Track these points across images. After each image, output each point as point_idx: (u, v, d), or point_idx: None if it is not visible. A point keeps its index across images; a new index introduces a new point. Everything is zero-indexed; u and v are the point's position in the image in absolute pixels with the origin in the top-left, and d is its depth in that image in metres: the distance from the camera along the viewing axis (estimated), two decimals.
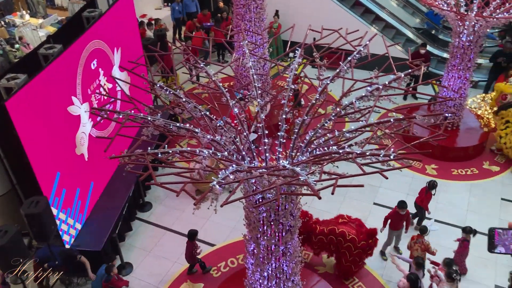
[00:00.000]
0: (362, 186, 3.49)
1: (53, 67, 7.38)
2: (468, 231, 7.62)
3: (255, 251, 5.95)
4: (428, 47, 14.44)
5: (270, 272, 5.96)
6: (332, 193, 3.39)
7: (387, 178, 3.47)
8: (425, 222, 8.84)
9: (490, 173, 10.40)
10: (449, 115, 10.72)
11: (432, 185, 8.61)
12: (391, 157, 3.73)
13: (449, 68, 10.46)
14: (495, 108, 10.71)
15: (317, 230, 7.66)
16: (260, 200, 5.16)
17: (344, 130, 4.94)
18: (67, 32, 8.85)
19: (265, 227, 5.53)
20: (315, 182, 3.75)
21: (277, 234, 5.62)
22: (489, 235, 1.91)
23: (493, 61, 12.57)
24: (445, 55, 13.99)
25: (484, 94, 11.17)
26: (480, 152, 11.03)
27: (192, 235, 7.93)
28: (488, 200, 9.68)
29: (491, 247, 1.90)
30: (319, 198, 3.42)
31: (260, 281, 6.12)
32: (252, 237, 5.86)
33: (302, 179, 3.78)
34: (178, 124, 4.73)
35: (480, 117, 11.25)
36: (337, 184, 3.55)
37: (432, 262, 7.21)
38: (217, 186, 3.69)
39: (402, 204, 7.98)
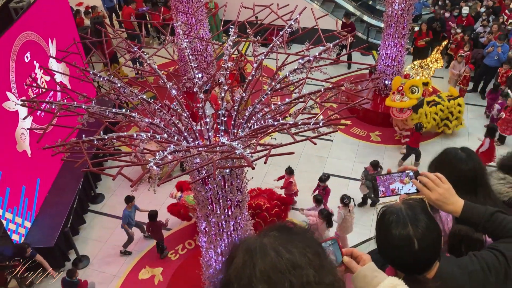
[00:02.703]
0: (292, 153, 3.65)
1: None
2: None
3: (206, 229, 6.07)
4: (366, 18, 14.86)
5: (223, 247, 6.11)
6: (265, 163, 3.54)
7: (315, 144, 3.64)
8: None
9: (432, 135, 10.93)
10: (389, 82, 11.13)
11: (419, 127, 9.33)
12: (320, 124, 3.91)
13: (385, 37, 10.84)
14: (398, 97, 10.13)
15: None
16: (207, 179, 5.26)
17: (279, 103, 5.08)
18: None
19: (213, 205, 5.65)
20: (250, 155, 3.87)
21: (226, 210, 5.76)
22: (372, 184, 2.10)
23: (429, 28, 13.11)
24: (382, 25, 14.42)
25: (420, 60, 11.65)
26: None
27: (152, 216, 8.03)
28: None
29: (376, 194, 2.09)
30: (253, 168, 3.56)
31: (215, 257, 6.26)
32: (202, 215, 5.96)
33: (238, 153, 3.89)
34: (113, 110, 4.71)
35: None
36: (271, 153, 3.69)
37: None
38: (154, 167, 3.74)
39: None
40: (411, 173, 2.08)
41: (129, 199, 8.23)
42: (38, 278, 8.07)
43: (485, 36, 12.41)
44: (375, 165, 8.58)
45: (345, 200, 7.78)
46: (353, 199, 8.04)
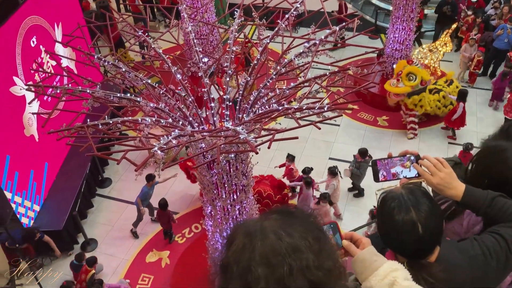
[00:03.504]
0: (296, 138, 3.63)
1: None
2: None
3: (212, 213, 6.11)
4: (375, 1, 14.63)
5: (229, 231, 6.16)
6: (268, 147, 3.53)
7: (319, 128, 3.62)
8: None
9: (438, 119, 10.85)
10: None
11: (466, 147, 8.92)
12: (325, 108, 3.88)
13: (394, 20, 10.67)
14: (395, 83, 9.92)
15: None
16: (212, 164, 5.28)
17: (284, 87, 5.05)
18: None
19: (219, 189, 5.67)
20: (254, 139, 3.86)
21: (231, 194, 5.78)
22: (372, 167, 2.07)
23: (438, 11, 12.88)
24: (391, 7, 14.20)
25: (428, 44, 11.48)
26: None
27: (163, 205, 8.05)
28: (436, 145, 10.17)
29: (376, 177, 2.06)
30: (256, 153, 3.55)
31: (220, 241, 6.32)
32: (208, 199, 6.00)
33: (242, 138, 3.88)
34: (118, 95, 4.71)
35: (427, 67, 11.61)
36: (275, 138, 3.68)
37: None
38: (159, 151, 3.75)
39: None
40: (412, 157, 2.06)
41: (150, 177, 8.24)
42: (47, 261, 8.23)
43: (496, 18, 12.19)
44: (363, 153, 8.54)
45: (336, 171, 8.25)
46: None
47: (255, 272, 1.23)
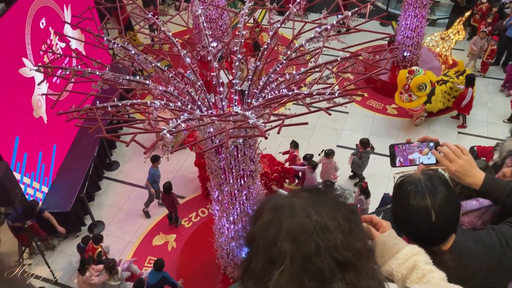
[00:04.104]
0: (306, 123, 3.59)
1: None
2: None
3: (219, 197, 6.12)
4: None
5: (235, 216, 6.17)
6: (278, 133, 3.49)
7: (330, 114, 3.58)
8: None
9: (446, 110, 10.73)
10: (407, 53, 10.87)
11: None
12: (336, 94, 3.83)
13: (406, 7, 10.49)
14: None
15: None
16: (220, 149, 5.27)
17: (294, 72, 5.00)
18: None
19: (226, 174, 5.67)
20: (263, 124, 3.83)
21: (238, 179, 5.78)
22: (390, 151, 2.04)
23: (454, 0, 12.65)
24: None
25: (441, 32, 11.30)
26: None
27: (167, 189, 8.08)
28: (446, 134, 10.07)
29: (393, 162, 2.03)
30: (266, 138, 3.53)
31: (227, 225, 6.34)
32: (215, 184, 6.00)
33: (251, 122, 3.85)
34: (127, 77, 4.69)
35: (438, 55, 11.46)
36: (285, 124, 3.65)
37: None
38: (168, 135, 3.74)
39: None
40: (431, 144, 2.02)
41: (155, 158, 8.28)
42: (55, 242, 8.34)
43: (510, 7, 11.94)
44: (365, 143, 8.53)
45: (327, 151, 8.54)
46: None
47: (281, 248, 1.22)
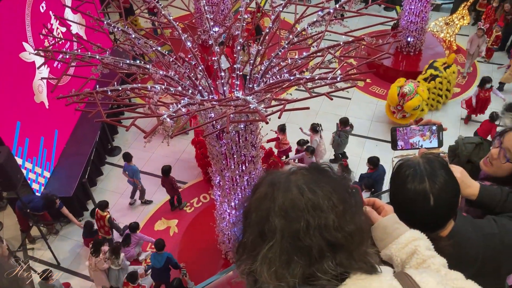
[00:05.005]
0: (308, 108, 3.56)
1: None
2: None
3: (221, 183, 6.12)
4: None
5: (237, 202, 6.18)
6: (279, 117, 3.47)
7: (332, 99, 3.54)
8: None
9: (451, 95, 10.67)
10: (411, 39, 10.75)
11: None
12: (338, 79, 3.79)
13: None
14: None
15: None
16: (222, 134, 5.24)
17: (296, 57, 4.94)
18: None
19: (228, 160, 5.66)
20: (264, 109, 3.81)
21: (240, 165, 5.77)
22: (391, 134, 2.01)
23: None
24: None
25: (445, 17, 11.16)
26: None
27: (166, 171, 8.10)
28: (448, 120, 10.02)
29: (394, 145, 2.01)
30: (267, 123, 3.50)
31: (228, 211, 6.36)
32: (216, 169, 6.00)
33: (252, 107, 3.82)
34: (128, 61, 4.65)
35: (442, 40, 11.34)
36: (286, 108, 3.62)
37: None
38: (168, 119, 3.71)
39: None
40: (434, 127, 1.99)
41: (126, 157, 8.36)
42: (57, 226, 8.39)
43: None
44: (345, 122, 8.62)
45: (317, 128, 8.51)
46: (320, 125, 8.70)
47: (272, 222, 1.24)
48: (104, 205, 7.61)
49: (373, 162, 7.69)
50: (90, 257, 6.93)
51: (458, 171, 1.90)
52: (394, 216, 1.63)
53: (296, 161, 8.94)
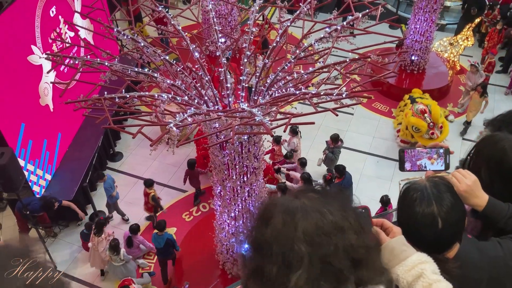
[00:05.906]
0: (313, 123, 3.60)
1: (8, 15, 7.09)
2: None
3: (221, 193, 6.14)
4: None
5: (237, 212, 6.19)
6: (284, 131, 3.51)
7: (337, 115, 3.59)
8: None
9: (453, 115, 10.72)
10: (416, 58, 10.84)
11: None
12: (343, 95, 3.84)
13: (416, 11, 10.47)
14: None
15: None
16: (225, 145, 5.28)
17: (302, 72, 5.00)
18: None
19: (230, 170, 5.69)
20: (269, 122, 3.85)
21: (241, 176, 5.79)
22: (399, 156, 2.05)
23: (467, 9, 12.53)
24: None
25: (449, 37, 11.26)
26: (445, 95, 11.30)
27: (191, 164, 8.35)
28: (450, 139, 10.04)
29: (402, 166, 2.04)
30: (272, 136, 3.54)
31: (228, 221, 6.36)
32: (218, 179, 6.02)
33: (257, 120, 3.87)
34: (136, 69, 4.70)
35: (446, 60, 11.42)
36: (291, 122, 3.66)
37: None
38: (174, 128, 3.75)
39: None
40: (441, 150, 2.02)
41: (100, 176, 8.27)
42: (56, 229, 8.39)
43: None
44: (335, 138, 8.68)
45: (297, 130, 8.71)
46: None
47: (298, 250, 1.22)
48: (150, 183, 7.93)
49: (340, 170, 7.91)
50: (93, 237, 7.18)
51: (471, 180, 1.90)
52: (402, 238, 1.65)
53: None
